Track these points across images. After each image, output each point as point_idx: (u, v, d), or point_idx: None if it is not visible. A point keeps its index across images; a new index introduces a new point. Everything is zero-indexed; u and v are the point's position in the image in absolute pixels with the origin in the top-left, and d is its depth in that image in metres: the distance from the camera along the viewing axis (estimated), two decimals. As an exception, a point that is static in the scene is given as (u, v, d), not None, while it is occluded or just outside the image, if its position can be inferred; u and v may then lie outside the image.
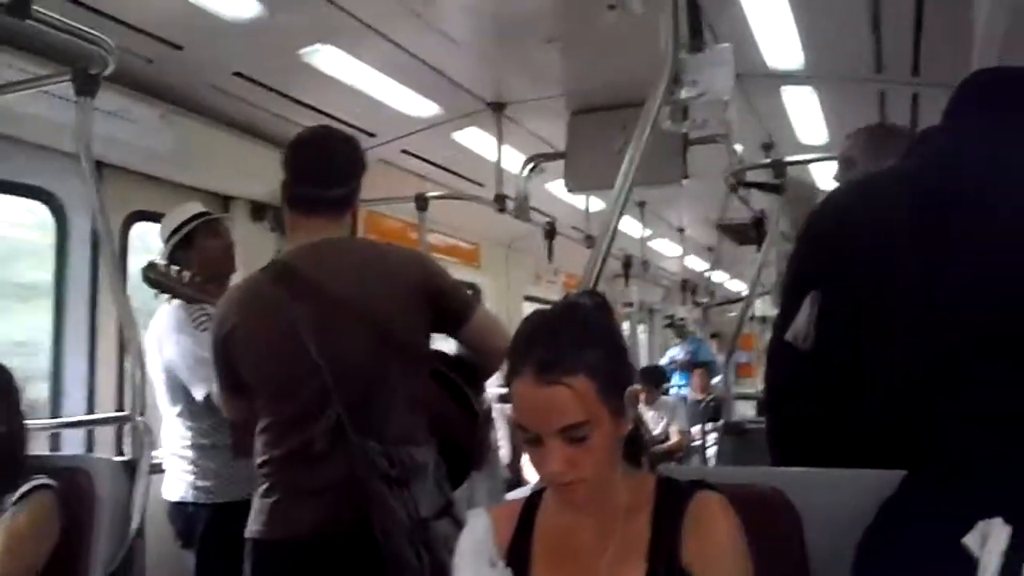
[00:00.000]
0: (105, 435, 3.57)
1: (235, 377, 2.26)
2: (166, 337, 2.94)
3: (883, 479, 1.39)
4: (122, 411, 3.39)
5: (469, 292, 2.36)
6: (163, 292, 2.86)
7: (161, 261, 2.89)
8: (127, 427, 2.86)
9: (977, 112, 1.72)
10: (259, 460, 2.23)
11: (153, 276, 2.81)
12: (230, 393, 2.36)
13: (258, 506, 2.20)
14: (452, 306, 2.26)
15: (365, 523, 2.04)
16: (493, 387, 2.60)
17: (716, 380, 7.12)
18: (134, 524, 2.17)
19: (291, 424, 2.15)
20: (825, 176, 5.74)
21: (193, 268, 3.02)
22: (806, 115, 4.62)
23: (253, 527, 2.19)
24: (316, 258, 2.19)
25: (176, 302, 2.97)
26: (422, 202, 4.65)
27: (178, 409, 2.98)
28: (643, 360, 10.42)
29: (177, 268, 2.86)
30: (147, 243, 3.85)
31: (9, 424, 2.13)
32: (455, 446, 2.27)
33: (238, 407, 2.37)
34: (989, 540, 1.22)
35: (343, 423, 2.06)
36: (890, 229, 1.61)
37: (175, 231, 3.12)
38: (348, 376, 2.09)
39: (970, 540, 1.23)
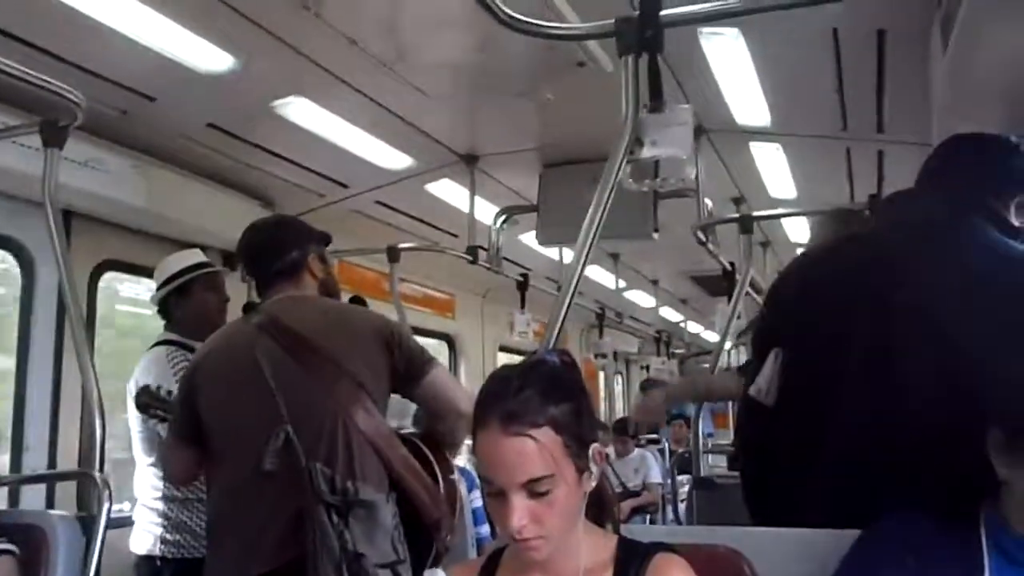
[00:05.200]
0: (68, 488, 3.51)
1: (192, 419, 2.35)
2: (157, 372, 2.89)
3: (840, 539, 1.39)
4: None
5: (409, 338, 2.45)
6: (152, 418, 2.73)
7: (153, 385, 2.73)
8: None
9: (942, 179, 1.76)
10: (209, 492, 2.35)
11: (145, 401, 2.69)
12: (183, 441, 2.42)
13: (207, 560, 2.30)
14: (410, 360, 2.34)
15: (301, 562, 2.09)
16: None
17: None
18: (90, 583, 2.11)
19: (239, 448, 2.24)
20: (795, 230, 5.85)
21: (186, 318, 3.02)
22: (775, 170, 4.69)
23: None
24: (287, 305, 2.37)
25: (157, 349, 2.97)
26: (394, 253, 4.65)
27: (152, 459, 2.93)
28: (619, 410, 10.40)
29: (168, 390, 2.71)
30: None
31: None
32: (419, 515, 2.31)
33: (182, 459, 2.46)
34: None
35: (292, 443, 2.14)
36: (849, 293, 1.64)
37: (173, 277, 3.09)
38: (301, 405, 2.19)
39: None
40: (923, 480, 1.44)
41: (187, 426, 2.38)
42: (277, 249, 2.46)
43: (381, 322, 2.40)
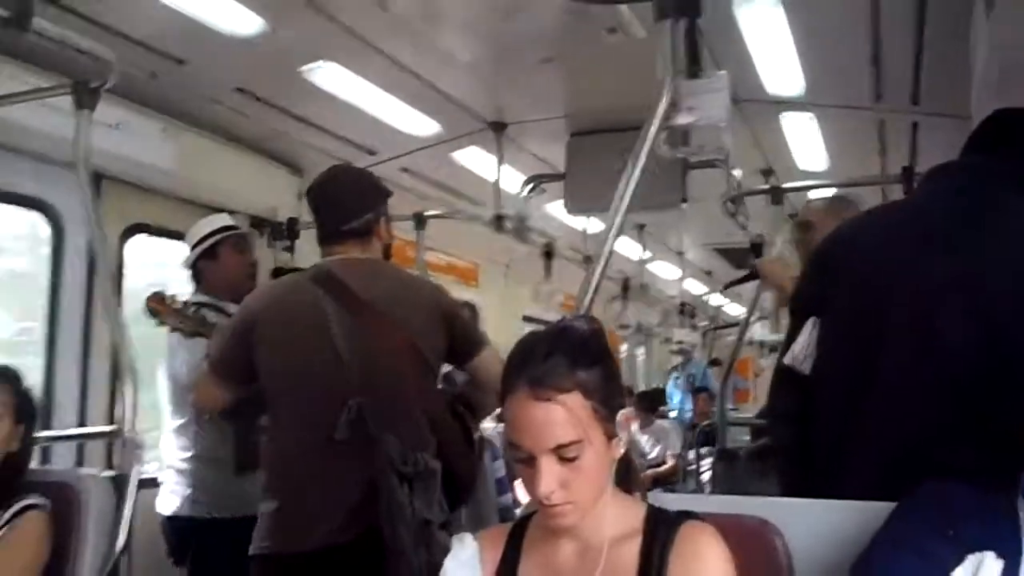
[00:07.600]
0: (97, 447, 3.55)
1: (240, 364, 2.35)
2: (178, 345, 2.92)
3: (874, 510, 1.38)
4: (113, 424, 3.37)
5: (467, 311, 2.48)
6: (162, 324, 2.81)
7: (169, 292, 2.84)
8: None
9: (988, 150, 1.72)
10: (268, 458, 2.34)
11: (154, 306, 2.77)
12: (221, 379, 2.43)
13: (266, 522, 2.27)
14: (465, 338, 2.43)
15: (374, 533, 2.12)
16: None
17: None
18: (120, 541, 2.14)
19: (308, 415, 2.25)
20: (824, 202, 5.77)
21: (214, 280, 3.05)
22: (806, 142, 4.63)
23: (261, 544, 2.26)
24: (352, 269, 2.36)
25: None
26: (420, 220, 4.64)
27: (183, 420, 2.96)
28: (641, 383, 10.39)
29: (183, 300, 2.82)
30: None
31: (23, 443, 2.14)
32: (453, 474, 2.34)
33: (216, 395, 2.47)
34: (980, 574, 1.21)
35: (364, 415, 2.16)
36: (889, 260, 1.62)
37: (201, 240, 3.13)
38: (372, 374, 2.21)
39: (961, 574, 1.21)
40: (963, 449, 1.43)
41: (234, 368, 2.40)
42: (355, 207, 2.44)
43: (442, 297, 2.44)
